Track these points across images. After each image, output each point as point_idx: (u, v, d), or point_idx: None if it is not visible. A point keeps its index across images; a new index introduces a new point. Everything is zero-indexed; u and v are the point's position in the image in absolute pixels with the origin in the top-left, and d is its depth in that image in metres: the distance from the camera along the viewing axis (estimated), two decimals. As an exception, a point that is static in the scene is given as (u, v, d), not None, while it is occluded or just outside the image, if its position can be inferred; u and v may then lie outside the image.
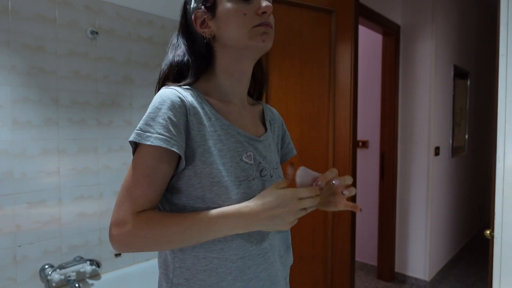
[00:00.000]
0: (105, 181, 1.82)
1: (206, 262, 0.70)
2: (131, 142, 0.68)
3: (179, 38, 0.78)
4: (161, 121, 0.66)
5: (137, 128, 0.67)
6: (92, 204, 1.77)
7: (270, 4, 0.72)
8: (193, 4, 0.76)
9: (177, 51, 0.77)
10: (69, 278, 1.62)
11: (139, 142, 0.65)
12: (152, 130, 0.65)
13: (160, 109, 0.67)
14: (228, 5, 0.71)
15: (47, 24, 1.61)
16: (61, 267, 1.61)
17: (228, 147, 0.71)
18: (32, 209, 1.58)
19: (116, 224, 0.65)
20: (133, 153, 0.69)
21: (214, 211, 0.66)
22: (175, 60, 0.76)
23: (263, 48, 0.73)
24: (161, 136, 0.64)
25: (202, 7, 0.74)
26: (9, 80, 1.51)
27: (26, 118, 1.56)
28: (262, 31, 0.71)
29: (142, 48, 1.95)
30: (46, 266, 1.61)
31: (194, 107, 0.70)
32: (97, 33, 1.76)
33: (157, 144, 0.64)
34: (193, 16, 0.75)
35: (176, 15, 0.83)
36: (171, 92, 0.69)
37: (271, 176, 0.77)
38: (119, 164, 1.87)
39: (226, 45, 0.74)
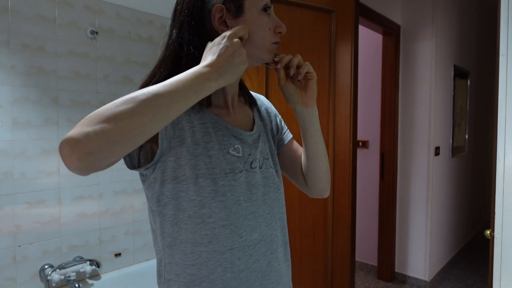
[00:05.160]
0: (105, 181, 1.81)
1: (194, 256, 0.70)
2: None
3: (182, 32, 0.71)
4: None
5: None
6: (92, 204, 1.77)
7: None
8: None
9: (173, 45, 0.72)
10: (69, 278, 1.61)
11: None
12: None
13: None
14: (259, 15, 0.72)
15: (47, 24, 1.61)
16: (61, 267, 1.61)
17: (215, 140, 0.72)
18: (31, 209, 1.58)
19: (66, 143, 0.52)
20: None
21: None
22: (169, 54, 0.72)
23: (266, 62, 0.77)
24: None
25: (224, 3, 0.70)
26: (8, 80, 1.51)
27: (26, 118, 1.56)
28: (276, 48, 0.76)
29: (142, 48, 1.94)
30: (46, 266, 1.61)
31: None
32: (97, 33, 1.76)
33: None
34: (213, 10, 0.70)
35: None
36: None
37: (260, 168, 0.78)
38: (119, 164, 1.86)
39: None
